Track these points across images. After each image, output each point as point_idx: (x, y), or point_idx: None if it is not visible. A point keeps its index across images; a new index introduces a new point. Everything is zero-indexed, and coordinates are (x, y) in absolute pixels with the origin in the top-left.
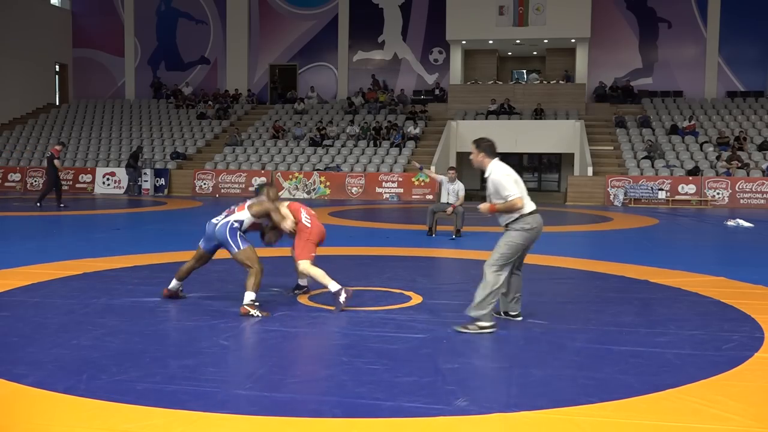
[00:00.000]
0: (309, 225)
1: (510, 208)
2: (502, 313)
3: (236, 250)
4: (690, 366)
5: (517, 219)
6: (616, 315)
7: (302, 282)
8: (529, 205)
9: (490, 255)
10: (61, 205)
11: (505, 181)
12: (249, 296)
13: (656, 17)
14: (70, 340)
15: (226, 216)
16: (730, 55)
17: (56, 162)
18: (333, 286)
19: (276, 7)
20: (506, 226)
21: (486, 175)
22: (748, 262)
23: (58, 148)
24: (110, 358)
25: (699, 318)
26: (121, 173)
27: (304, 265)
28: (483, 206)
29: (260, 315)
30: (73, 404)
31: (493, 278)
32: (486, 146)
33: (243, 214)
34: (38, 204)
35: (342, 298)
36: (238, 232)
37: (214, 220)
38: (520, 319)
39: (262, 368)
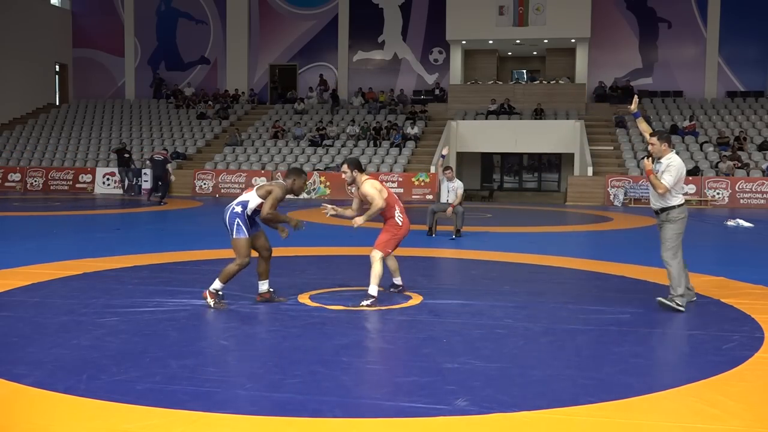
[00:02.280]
0: (400, 224)
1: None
2: None
3: (233, 236)
4: (690, 366)
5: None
6: (616, 315)
7: (397, 281)
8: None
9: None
10: (163, 201)
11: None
12: (216, 284)
13: (656, 17)
14: (70, 340)
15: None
16: (730, 55)
17: (168, 166)
18: (373, 290)
19: (276, 7)
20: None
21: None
22: (748, 262)
23: (164, 151)
24: (110, 358)
25: (699, 318)
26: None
27: (376, 256)
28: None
29: (213, 306)
30: (73, 404)
31: None
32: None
33: (249, 195)
34: (149, 199)
35: (366, 303)
36: (238, 219)
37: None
38: None
39: (262, 368)
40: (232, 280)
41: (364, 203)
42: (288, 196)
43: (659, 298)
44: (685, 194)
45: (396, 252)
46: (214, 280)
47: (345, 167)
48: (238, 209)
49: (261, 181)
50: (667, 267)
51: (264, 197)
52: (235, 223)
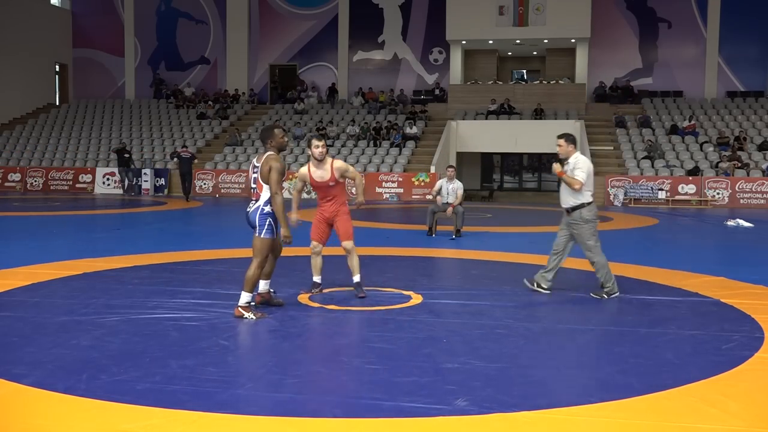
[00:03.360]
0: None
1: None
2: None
3: (260, 235)
4: (690, 366)
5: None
6: (616, 315)
7: (318, 279)
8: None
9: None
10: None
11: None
12: (244, 297)
13: (656, 17)
14: (70, 340)
15: (255, 201)
16: (730, 55)
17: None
18: (360, 277)
19: (276, 7)
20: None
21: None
22: (748, 262)
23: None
24: (110, 358)
25: (699, 318)
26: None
27: (353, 245)
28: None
29: (254, 317)
30: (73, 404)
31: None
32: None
33: (264, 194)
34: (188, 200)
35: (364, 292)
36: (270, 219)
37: (248, 208)
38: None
39: (262, 368)
40: (256, 283)
41: (320, 188)
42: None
43: (591, 293)
44: (685, 194)
45: (396, 252)
46: (240, 295)
47: (321, 143)
48: (267, 209)
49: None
50: (594, 265)
51: (266, 179)
52: (267, 222)
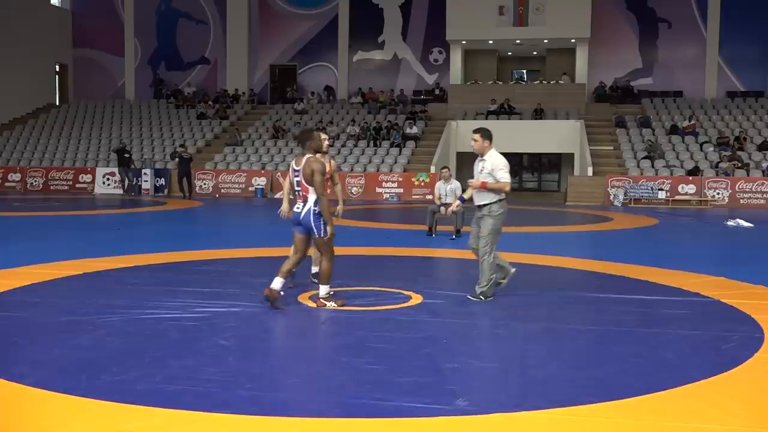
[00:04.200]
0: None
1: None
2: None
3: (319, 236)
4: (690, 366)
5: None
6: (616, 315)
7: (316, 270)
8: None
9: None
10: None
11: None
12: (323, 289)
13: (656, 17)
14: (70, 340)
15: (304, 203)
16: (730, 56)
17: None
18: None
19: (276, 7)
20: None
21: None
22: (748, 262)
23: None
24: (110, 358)
25: (699, 318)
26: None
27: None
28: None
29: (335, 305)
30: (73, 404)
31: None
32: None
33: (312, 195)
34: (191, 198)
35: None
36: (321, 218)
37: (296, 209)
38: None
39: (262, 368)
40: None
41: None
42: None
43: (469, 296)
44: (685, 194)
45: (396, 252)
46: (320, 288)
47: (327, 136)
48: (317, 209)
49: (261, 181)
50: (480, 260)
51: (310, 182)
52: (321, 222)
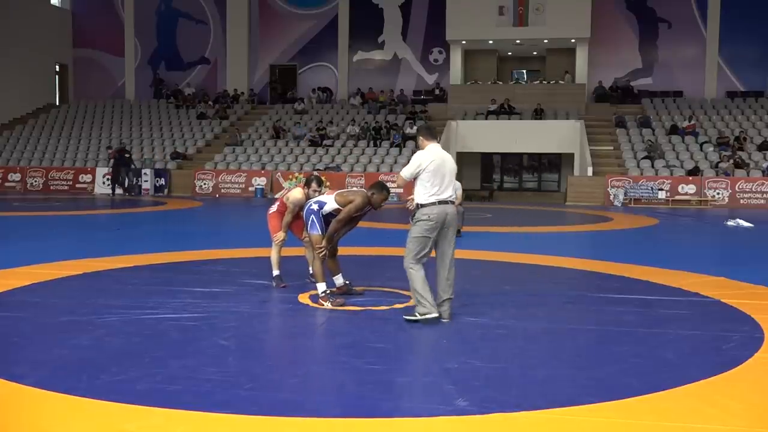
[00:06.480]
0: None
1: None
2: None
3: (307, 230)
4: (690, 366)
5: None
6: (616, 315)
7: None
8: None
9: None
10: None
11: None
12: (320, 287)
13: (656, 17)
14: (70, 340)
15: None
16: (730, 55)
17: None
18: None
19: (276, 7)
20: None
21: None
22: (748, 262)
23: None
24: (110, 358)
25: (699, 318)
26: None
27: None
28: None
29: (331, 306)
30: (73, 404)
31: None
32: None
33: (327, 198)
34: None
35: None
36: (313, 216)
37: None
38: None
39: (262, 368)
40: (325, 272)
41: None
42: None
43: (405, 316)
44: (685, 194)
45: (396, 252)
46: (317, 287)
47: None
48: (314, 207)
49: (261, 181)
50: (407, 274)
51: (343, 205)
52: (311, 219)
